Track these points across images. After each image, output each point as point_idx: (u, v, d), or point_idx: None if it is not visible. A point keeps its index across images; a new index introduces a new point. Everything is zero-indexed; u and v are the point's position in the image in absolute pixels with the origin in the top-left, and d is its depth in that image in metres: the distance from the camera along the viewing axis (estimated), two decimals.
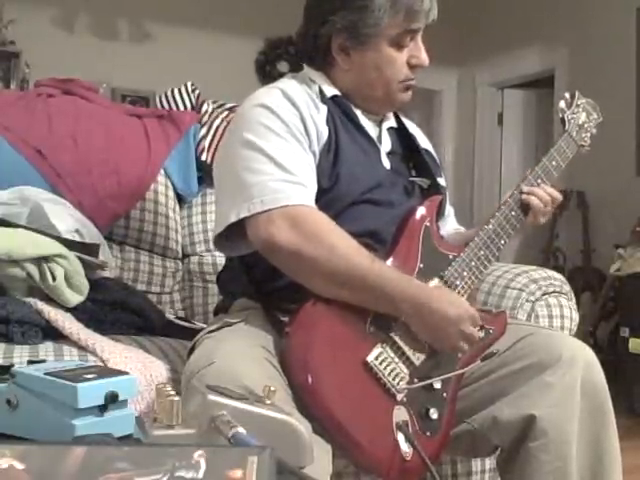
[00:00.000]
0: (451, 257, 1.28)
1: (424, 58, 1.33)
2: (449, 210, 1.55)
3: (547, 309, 1.55)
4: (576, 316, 1.59)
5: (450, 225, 1.55)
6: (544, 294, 1.56)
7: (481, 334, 1.23)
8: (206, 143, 2.07)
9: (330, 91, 1.35)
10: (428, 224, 1.29)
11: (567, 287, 1.61)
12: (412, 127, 1.52)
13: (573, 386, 1.20)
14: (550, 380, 1.20)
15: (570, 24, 4.50)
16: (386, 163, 1.36)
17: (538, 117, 5.22)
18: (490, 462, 1.50)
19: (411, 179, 1.39)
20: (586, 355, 1.24)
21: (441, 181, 1.45)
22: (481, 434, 1.24)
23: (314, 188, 1.24)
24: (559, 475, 1.17)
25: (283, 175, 1.20)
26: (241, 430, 0.70)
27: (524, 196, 1.33)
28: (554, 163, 1.38)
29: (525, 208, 1.34)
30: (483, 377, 1.26)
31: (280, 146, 1.23)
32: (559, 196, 1.37)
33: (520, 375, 1.22)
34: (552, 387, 1.19)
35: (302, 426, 0.82)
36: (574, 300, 1.61)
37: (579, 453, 1.18)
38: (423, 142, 1.52)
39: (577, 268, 4.27)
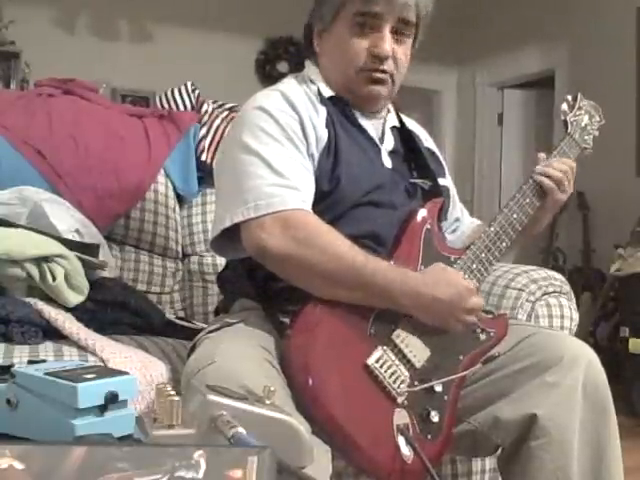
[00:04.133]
0: (452, 259, 1.27)
1: (384, 48, 1.29)
2: (460, 207, 1.55)
3: (547, 309, 1.55)
4: (576, 316, 1.59)
5: (466, 220, 1.55)
6: (544, 294, 1.56)
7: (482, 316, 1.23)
8: (206, 143, 2.07)
9: (327, 91, 1.35)
10: (429, 226, 1.29)
11: (567, 287, 1.61)
12: (415, 126, 1.51)
13: (575, 386, 1.20)
14: (552, 380, 1.20)
15: (570, 24, 4.50)
16: (387, 162, 1.36)
17: (538, 117, 5.22)
18: (490, 462, 1.50)
19: (412, 181, 1.38)
20: (588, 355, 1.24)
21: (443, 182, 1.44)
22: (482, 433, 1.24)
23: (310, 192, 1.24)
24: (560, 474, 1.17)
25: (278, 179, 1.20)
26: (241, 430, 0.70)
27: (538, 178, 1.33)
28: None
29: (527, 211, 1.33)
30: (485, 377, 1.26)
31: (277, 150, 1.23)
32: (571, 164, 1.37)
33: (522, 375, 1.22)
34: (554, 387, 1.19)
35: (302, 426, 0.82)
36: (574, 300, 1.61)
37: (580, 452, 1.18)
38: (427, 141, 1.52)
39: (577, 268, 4.27)
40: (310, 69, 1.39)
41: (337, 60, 1.33)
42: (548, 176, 1.34)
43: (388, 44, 1.29)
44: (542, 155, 1.38)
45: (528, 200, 1.34)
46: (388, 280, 1.16)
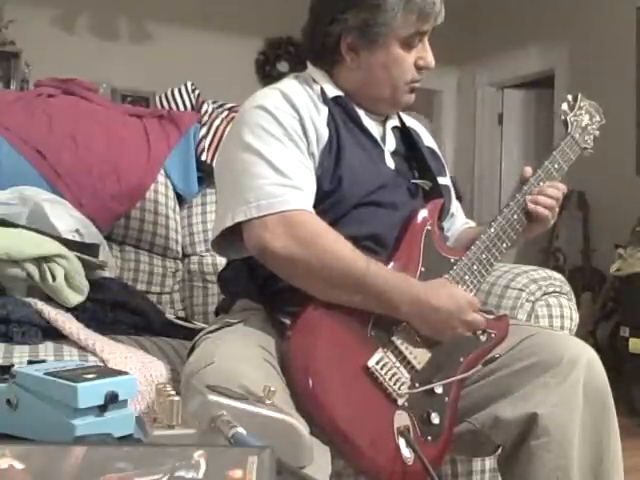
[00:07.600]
0: (453, 260, 1.27)
1: (430, 60, 1.33)
2: (456, 206, 1.55)
3: (547, 309, 1.55)
4: (576, 316, 1.59)
5: (459, 221, 1.55)
6: (544, 294, 1.56)
7: (483, 323, 1.22)
8: (206, 143, 2.07)
9: (332, 92, 1.34)
10: (430, 227, 1.29)
11: (567, 287, 1.61)
12: (416, 125, 1.51)
13: (575, 386, 1.20)
14: (552, 380, 1.19)
15: (570, 24, 4.50)
16: (390, 163, 1.35)
17: (538, 117, 5.22)
18: (490, 462, 1.50)
19: (414, 181, 1.38)
20: (589, 355, 1.23)
21: (444, 181, 1.44)
22: (483, 433, 1.24)
23: (311, 191, 1.23)
24: (560, 474, 1.17)
25: (279, 179, 1.19)
26: (241, 430, 0.70)
27: (530, 206, 1.31)
28: (556, 166, 1.37)
29: (528, 212, 1.33)
30: (485, 377, 1.26)
31: (277, 149, 1.22)
32: (562, 188, 1.36)
33: (522, 375, 1.22)
34: (554, 387, 1.19)
35: (302, 426, 0.82)
36: (574, 300, 1.61)
37: (581, 452, 1.18)
38: (427, 140, 1.51)
39: (577, 268, 4.26)
40: (314, 71, 1.37)
41: (384, 76, 1.32)
42: (542, 204, 1.32)
43: (431, 55, 1.33)
44: (528, 169, 1.35)
45: (532, 207, 1.33)
46: (388, 285, 1.16)
